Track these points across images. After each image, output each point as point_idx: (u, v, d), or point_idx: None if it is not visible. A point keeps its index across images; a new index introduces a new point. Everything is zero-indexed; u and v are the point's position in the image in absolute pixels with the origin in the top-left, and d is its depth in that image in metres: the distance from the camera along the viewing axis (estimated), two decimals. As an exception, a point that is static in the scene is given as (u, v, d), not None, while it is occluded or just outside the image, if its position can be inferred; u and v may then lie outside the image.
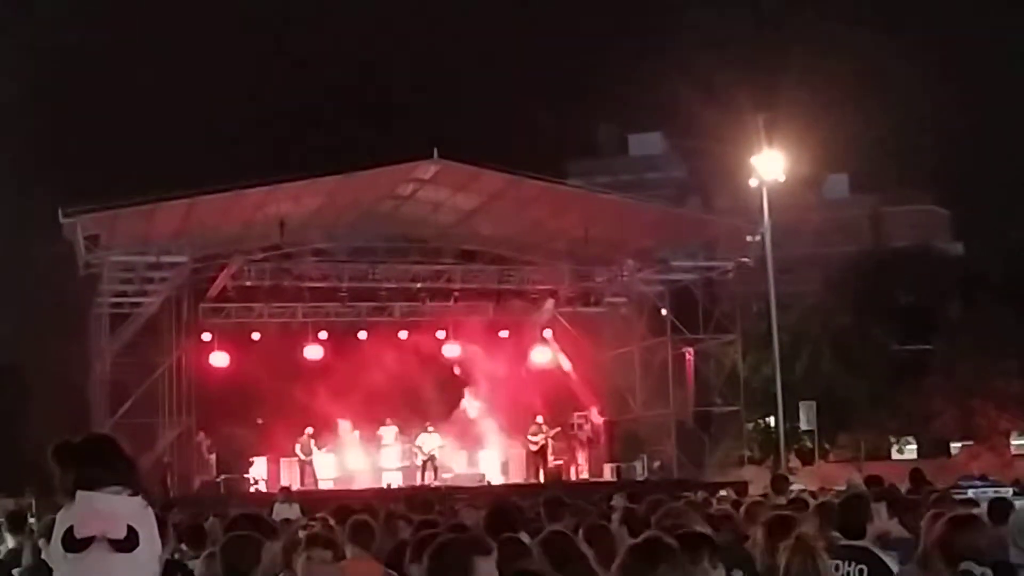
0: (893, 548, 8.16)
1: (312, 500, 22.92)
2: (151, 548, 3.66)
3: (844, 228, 78.84)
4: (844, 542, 7.78)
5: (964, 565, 6.26)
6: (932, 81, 76.69)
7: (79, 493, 3.63)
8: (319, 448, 33.40)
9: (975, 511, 8.21)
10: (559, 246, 36.20)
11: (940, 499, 10.64)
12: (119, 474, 3.76)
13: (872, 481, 14.82)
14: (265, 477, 33.33)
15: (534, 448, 34.80)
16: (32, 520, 12.83)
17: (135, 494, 3.72)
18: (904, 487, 14.82)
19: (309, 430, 33.01)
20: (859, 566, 7.43)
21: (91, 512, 3.54)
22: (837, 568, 7.30)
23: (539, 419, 35.11)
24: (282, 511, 19.64)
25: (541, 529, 7.75)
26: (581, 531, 7.98)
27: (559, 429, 35.72)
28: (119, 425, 30.45)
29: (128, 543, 3.53)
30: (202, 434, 33.27)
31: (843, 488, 18.43)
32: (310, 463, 33.09)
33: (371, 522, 8.66)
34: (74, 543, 3.52)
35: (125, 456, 3.92)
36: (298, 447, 33.10)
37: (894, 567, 7.54)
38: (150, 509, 3.83)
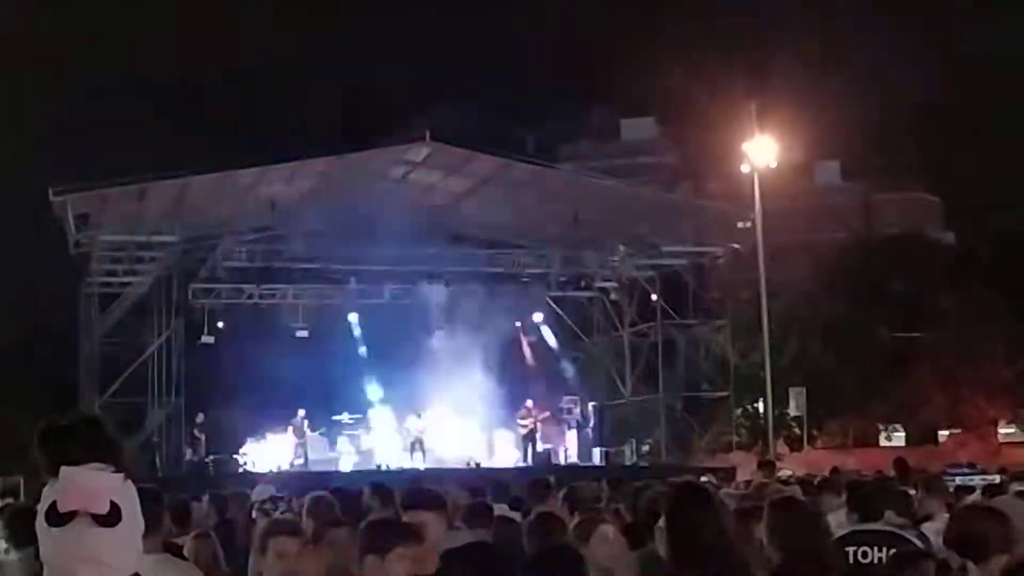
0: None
1: (300, 481, 22.91)
2: (134, 524, 3.65)
3: (835, 215, 78.92)
4: (862, 527, 7.47)
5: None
6: (924, 68, 76.80)
7: (63, 469, 3.64)
8: (311, 430, 33.40)
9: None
10: (550, 230, 36.20)
11: (928, 486, 10.61)
12: (102, 452, 3.77)
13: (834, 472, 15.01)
14: (255, 458, 33.31)
15: (523, 431, 34.83)
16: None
17: (118, 471, 3.72)
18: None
19: (302, 412, 32.98)
20: (886, 551, 6.96)
21: (74, 487, 3.54)
22: (864, 555, 7.03)
23: (529, 403, 35.13)
24: (263, 491, 19.82)
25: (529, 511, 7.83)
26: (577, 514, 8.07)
27: (548, 413, 35.76)
28: (108, 405, 30.51)
29: (111, 518, 3.52)
30: (202, 415, 33.22)
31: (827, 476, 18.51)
32: (303, 444, 33.09)
33: None
34: (57, 517, 3.52)
35: (108, 436, 3.92)
36: (291, 429, 33.10)
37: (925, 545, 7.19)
38: (132, 486, 3.82)
